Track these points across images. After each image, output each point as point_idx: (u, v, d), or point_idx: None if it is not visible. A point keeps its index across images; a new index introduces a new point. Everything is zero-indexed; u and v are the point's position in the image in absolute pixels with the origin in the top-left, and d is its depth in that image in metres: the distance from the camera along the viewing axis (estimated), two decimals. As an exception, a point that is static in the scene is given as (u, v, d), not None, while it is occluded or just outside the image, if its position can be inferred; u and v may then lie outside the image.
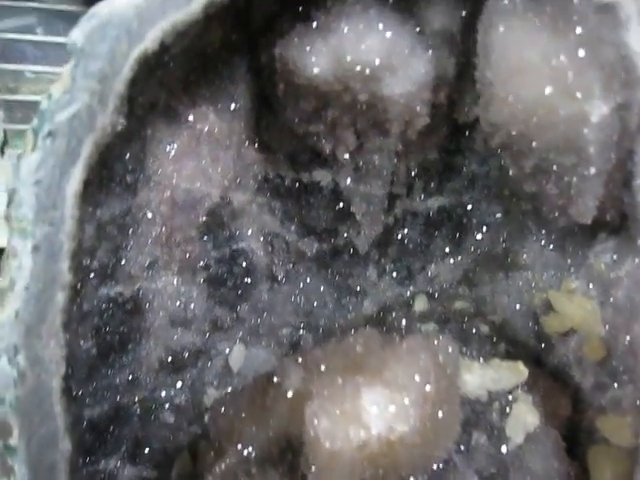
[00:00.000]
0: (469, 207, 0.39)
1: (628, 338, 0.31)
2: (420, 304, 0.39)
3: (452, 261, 0.41)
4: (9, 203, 0.22)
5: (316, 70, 0.29)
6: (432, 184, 0.38)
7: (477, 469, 0.29)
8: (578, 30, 0.26)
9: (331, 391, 0.25)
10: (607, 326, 0.32)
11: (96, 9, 0.22)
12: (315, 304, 0.42)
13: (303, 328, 0.43)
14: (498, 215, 0.39)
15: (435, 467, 0.28)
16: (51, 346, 0.23)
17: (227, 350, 0.42)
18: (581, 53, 0.26)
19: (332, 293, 0.42)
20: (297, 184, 0.37)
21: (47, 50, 1.17)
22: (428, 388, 0.25)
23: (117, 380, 0.36)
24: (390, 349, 0.27)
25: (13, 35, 1.16)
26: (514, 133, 0.29)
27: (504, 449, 0.30)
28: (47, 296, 0.22)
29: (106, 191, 0.28)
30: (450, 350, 0.29)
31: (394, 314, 0.38)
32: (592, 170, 0.27)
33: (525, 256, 0.39)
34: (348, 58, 0.28)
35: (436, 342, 0.29)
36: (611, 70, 0.26)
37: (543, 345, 0.36)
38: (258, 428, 0.28)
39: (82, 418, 0.30)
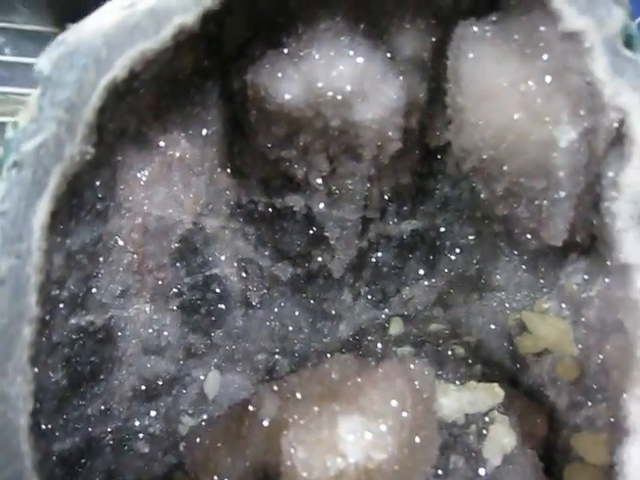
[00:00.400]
0: (442, 230, 0.39)
1: (600, 357, 0.31)
2: (395, 327, 0.39)
3: (426, 283, 0.41)
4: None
5: (287, 96, 0.29)
6: (405, 208, 0.38)
7: (456, 494, 0.29)
8: (545, 57, 0.27)
9: (307, 419, 0.25)
10: (580, 346, 0.33)
11: (64, 36, 0.22)
12: (290, 329, 0.42)
13: (278, 353, 0.43)
14: (471, 237, 0.39)
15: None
16: (18, 382, 0.22)
17: (202, 377, 0.41)
18: (549, 80, 0.27)
19: (307, 317, 0.42)
20: (270, 209, 0.37)
21: (15, 71, 1.15)
22: (405, 414, 0.25)
23: (89, 411, 0.35)
24: (366, 375, 0.27)
25: (-20, 57, 1.13)
26: (485, 157, 0.29)
27: (482, 472, 0.30)
28: (13, 331, 0.21)
29: (75, 220, 0.28)
30: (426, 374, 0.29)
31: (370, 338, 0.38)
32: (562, 194, 0.28)
33: (498, 277, 0.39)
34: (319, 84, 0.28)
35: (412, 366, 0.29)
36: (578, 96, 0.27)
37: (518, 365, 0.37)
38: (234, 458, 0.28)
39: (51, 453, 0.30)
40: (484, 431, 0.31)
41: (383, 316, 0.42)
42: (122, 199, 0.32)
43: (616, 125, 0.26)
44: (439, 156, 0.37)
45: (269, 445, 0.27)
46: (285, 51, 0.29)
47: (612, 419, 0.30)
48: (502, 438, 0.31)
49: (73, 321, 0.32)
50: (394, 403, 0.25)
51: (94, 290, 0.33)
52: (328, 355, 0.40)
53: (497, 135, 0.28)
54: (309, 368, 0.29)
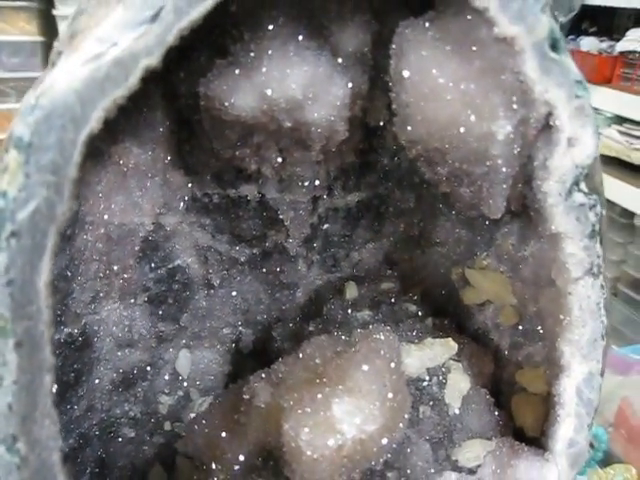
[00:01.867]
0: (385, 198, 0.43)
1: (536, 307, 0.37)
2: (351, 291, 0.43)
3: (373, 246, 0.45)
4: (-20, 304, 0.22)
5: (242, 108, 0.30)
6: (350, 182, 0.42)
7: (428, 438, 0.35)
8: (482, 58, 0.30)
9: (302, 405, 0.29)
10: (517, 297, 0.39)
11: (36, 100, 0.22)
12: (251, 302, 0.46)
13: (242, 325, 0.46)
14: (411, 201, 0.44)
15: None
16: (46, 425, 0.24)
17: (173, 358, 0.45)
18: (486, 79, 0.30)
19: (266, 290, 0.45)
20: (225, 200, 0.39)
21: None
22: (386, 387, 0.30)
23: (77, 412, 0.38)
24: (345, 356, 0.31)
25: None
26: (429, 148, 0.33)
27: (447, 416, 0.36)
28: (36, 384, 0.23)
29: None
30: (393, 344, 0.34)
31: (329, 305, 0.42)
32: (500, 177, 0.32)
33: (438, 234, 0.44)
34: (272, 95, 0.30)
35: (381, 337, 0.34)
36: (511, 93, 0.30)
37: (463, 314, 0.43)
38: (237, 443, 0.32)
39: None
40: (444, 380, 0.37)
41: (336, 280, 0.46)
42: (84, 215, 0.33)
43: (544, 116, 0.31)
44: (378, 132, 0.40)
45: (268, 428, 0.31)
46: (233, 61, 0.30)
47: (548, 357, 0.37)
48: (459, 383, 0.38)
49: (55, 337, 0.33)
50: (376, 381, 0.30)
51: (70, 304, 0.34)
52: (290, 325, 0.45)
53: (441, 130, 0.31)
54: (292, 355, 0.33)
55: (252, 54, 0.30)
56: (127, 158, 0.34)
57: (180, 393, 0.45)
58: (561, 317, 0.34)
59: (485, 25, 0.29)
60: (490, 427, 0.37)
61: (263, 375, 0.33)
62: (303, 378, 0.31)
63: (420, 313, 0.42)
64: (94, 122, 0.23)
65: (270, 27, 0.31)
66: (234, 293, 0.45)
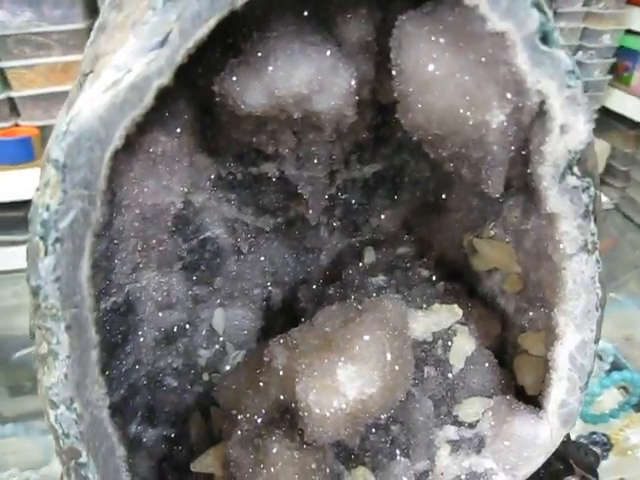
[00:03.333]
0: (400, 168, 0.46)
1: (536, 277, 0.40)
2: (369, 256, 0.48)
3: (391, 212, 0.49)
4: (35, 295, 0.28)
5: (253, 105, 0.34)
6: (365, 155, 0.45)
7: (430, 395, 0.40)
8: (476, 51, 0.32)
9: (312, 370, 0.35)
10: (521, 266, 0.42)
11: (67, 127, 0.26)
12: (278, 265, 0.51)
13: (271, 286, 0.52)
14: (426, 171, 0.46)
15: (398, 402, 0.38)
16: (96, 390, 0.30)
17: (209, 316, 0.51)
18: (480, 71, 0.33)
19: (291, 254, 0.50)
20: (247, 177, 0.44)
21: None
22: (386, 354, 0.35)
23: (125, 367, 0.45)
24: (351, 325, 0.36)
25: None
26: (430, 133, 0.35)
27: (450, 375, 0.41)
28: (85, 358, 0.29)
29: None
30: (400, 311, 0.39)
31: (348, 271, 0.46)
32: (496, 161, 0.35)
33: (453, 201, 0.47)
34: (280, 92, 0.34)
35: (389, 305, 0.38)
36: (505, 83, 0.33)
37: (474, 279, 0.46)
38: (259, 399, 0.38)
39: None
40: (449, 343, 0.42)
41: (357, 243, 0.50)
42: (120, 199, 0.38)
43: (538, 105, 0.33)
44: (391, 108, 0.43)
45: (285, 387, 0.37)
46: (244, 60, 0.34)
47: (547, 324, 0.40)
48: (464, 346, 0.42)
49: (102, 307, 0.40)
50: (377, 349, 0.34)
51: (113, 277, 0.40)
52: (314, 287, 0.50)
53: (439, 118, 0.34)
54: (307, 323, 0.38)
55: (260, 54, 0.34)
56: (155, 146, 0.39)
57: (217, 347, 0.52)
58: (557, 289, 0.37)
59: (478, 19, 0.31)
60: (492, 386, 0.42)
61: (281, 340, 0.38)
62: (314, 345, 0.36)
63: (433, 278, 0.46)
64: (117, 140, 0.28)
65: (276, 26, 0.34)
66: (262, 258, 0.50)
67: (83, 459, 0.31)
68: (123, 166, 0.38)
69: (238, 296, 0.51)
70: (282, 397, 0.37)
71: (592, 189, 0.35)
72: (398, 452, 0.38)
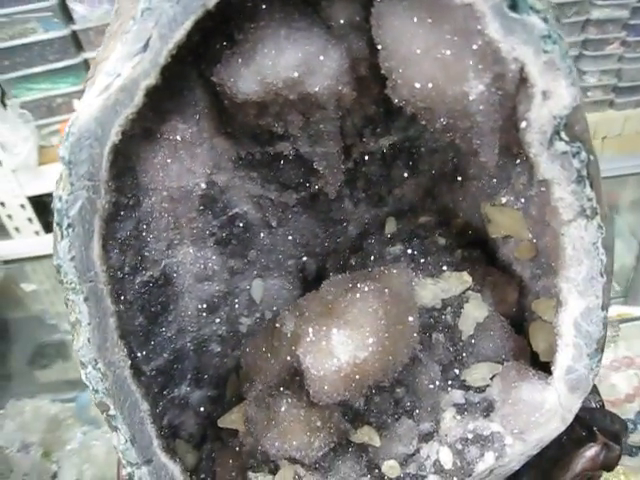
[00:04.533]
0: (415, 139, 0.48)
1: (544, 243, 0.41)
2: (390, 226, 0.50)
3: (412, 182, 0.50)
4: (58, 273, 0.34)
5: (246, 92, 0.37)
6: (378, 129, 0.47)
7: (437, 360, 0.42)
8: (450, 23, 0.34)
9: (311, 335, 0.38)
10: (532, 233, 0.42)
11: (69, 129, 0.31)
12: (309, 237, 0.54)
13: (304, 256, 0.56)
14: (442, 140, 0.48)
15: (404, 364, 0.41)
16: (116, 352, 0.36)
17: (248, 287, 0.56)
18: (455, 43, 0.34)
19: (320, 226, 0.53)
20: (265, 155, 0.47)
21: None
22: (380, 321, 0.38)
23: (169, 334, 0.51)
24: (350, 294, 0.39)
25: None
26: (418, 107, 0.37)
27: (459, 341, 0.43)
28: (103, 324, 0.35)
29: (119, 219, 0.40)
30: (405, 279, 0.41)
31: (369, 240, 0.49)
32: (483, 130, 0.36)
33: (472, 169, 0.48)
34: (270, 78, 0.37)
35: (393, 274, 0.41)
36: (482, 53, 0.33)
37: (493, 246, 0.47)
38: (273, 362, 0.42)
39: (151, 376, 0.45)
40: (460, 309, 0.44)
41: (383, 214, 0.53)
42: (146, 183, 0.44)
43: (518, 72, 0.34)
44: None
45: (293, 351, 0.41)
46: (236, 50, 0.37)
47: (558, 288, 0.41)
48: (474, 312, 0.44)
49: (138, 280, 0.45)
50: (371, 316, 0.37)
51: (146, 254, 0.46)
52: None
53: (422, 91, 0.36)
54: (314, 292, 0.42)
55: (249, 44, 0.37)
56: (175, 133, 0.44)
57: (257, 315, 0.56)
58: (559, 255, 0.38)
59: (447, -7, 0.32)
60: (504, 351, 0.43)
61: (290, 308, 0.42)
62: (317, 311, 0.40)
63: (450, 244, 0.47)
64: (114, 136, 0.33)
65: (264, 16, 0.37)
66: (292, 231, 0.53)
67: (112, 411, 0.37)
68: (146, 153, 0.43)
69: (274, 267, 0.55)
70: (290, 360, 0.41)
71: (583, 153, 0.35)
72: (403, 413, 0.41)
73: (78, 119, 0.32)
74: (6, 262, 1.32)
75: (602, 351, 0.40)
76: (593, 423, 0.46)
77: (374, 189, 0.52)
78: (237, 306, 0.56)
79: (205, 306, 0.53)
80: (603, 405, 0.49)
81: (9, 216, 1.38)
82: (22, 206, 1.37)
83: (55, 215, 0.33)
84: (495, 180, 0.46)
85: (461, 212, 0.51)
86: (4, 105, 1.31)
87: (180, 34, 0.32)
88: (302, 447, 0.40)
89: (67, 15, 1.27)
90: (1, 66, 1.29)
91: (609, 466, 0.45)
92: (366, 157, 0.49)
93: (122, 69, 0.32)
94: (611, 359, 0.90)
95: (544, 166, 0.35)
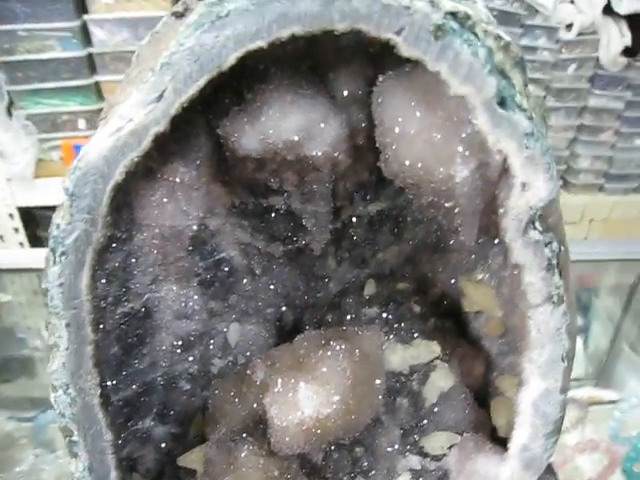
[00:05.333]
0: (403, 208, 0.51)
1: (512, 322, 0.43)
2: (370, 288, 0.52)
3: (396, 249, 0.53)
4: (45, 296, 0.36)
5: (248, 149, 0.40)
6: (369, 195, 0.50)
7: (399, 424, 0.44)
8: (443, 110, 0.37)
9: (279, 386, 0.40)
10: (502, 310, 0.45)
11: (77, 164, 0.34)
12: (290, 289, 0.56)
13: (283, 306, 0.58)
14: (427, 213, 0.50)
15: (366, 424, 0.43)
16: (88, 380, 0.38)
17: (224, 329, 0.57)
18: (446, 128, 0.37)
19: (302, 279, 0.56)
20: (258, 207, 0.50)
21: (36, 6, 1.26)
22: (347, 380, 0.39)
23: (141, 366, 0.52)
24: (322, 350, 0.41)
25: (0, -5, 1.25)
26: (406, 182, 0.40)
27: (422, 408, 0.45)
28: (80, 352, 0.37)
29: (110, 251, 0.42)
30: (376, 342, 0.43)
31: (348, 299, 0.51)
32: (465, 211, 0.39)
33: (453, 242, 0.51)
34: (271, 139, 0.40)
35: (365, 336, 0.43)
36: (470, 141, 0.37)
37: (465, 319, 0.50)
38: (239, 406, 0.44)
39: (118, 406, 0.46)
40: (425, 377, 0.46)
41: (365, 275, 0.55)
42: (140, 219, 0.46)
43: (502, 162, 0.37)
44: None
45: (259, 399, 0.42)
46: (243, 108, 0.40)
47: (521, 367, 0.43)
48: (440, 381, 0.46)
49: (119, 311, 0.47)
50: (338, 375, 0.39)
51: (131, 286, 0.48)
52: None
53: (411, 169, 0.39)
54: (287, 344, 0.43)
55: (257, 104, 0.40)
56: (175, 175, 0.46)
57: (230, 358, 0.58)
58: (523, 336, 0.40)
59: (444, 83, 0.35)
60: (465, 423, 0.45)
61: (263, 357, 0.44)
62: (288, 364, 0.42)
63: (425, 313, 0.50)
64: (118, 176, 0.35)
65: (274, 79, 0.40)
66: (274, 280, 0.56)
67: (75, 437, 0.38)
68: (145, 191, 0.45)
69: (252, 313, 0.57)
70: (257, 408, 0.42)
71: (555, 244, 0.38)
72: (359, 472, 0.43)
73: (87, 154, 0.34)
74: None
75: (558, 432, 0.42)
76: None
77: (358, 251, 0.54)
78: (212, 347, 0.57)
79: (180, 343, 0.55)
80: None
81: (-6, 226, 1.40)
82: (10, 215, 1.38)
83: (51, 241, 0.35)
84: (474, 257, 0.49)
85: (439, 282, 0.53)
86: (10, 114, 1.34)
87: (193, 90, 0.35)
88: (257, 495, 0.41)
89: (86, 37, 1.32)
90: (14, 77, 1.33)
91: None
92: (354, 220, 0.52)
93: (135, 115, 0.34)
94: (577, 441, 0.91)
95: (517, 252, 0.38)
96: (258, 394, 0.42)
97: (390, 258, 0.54)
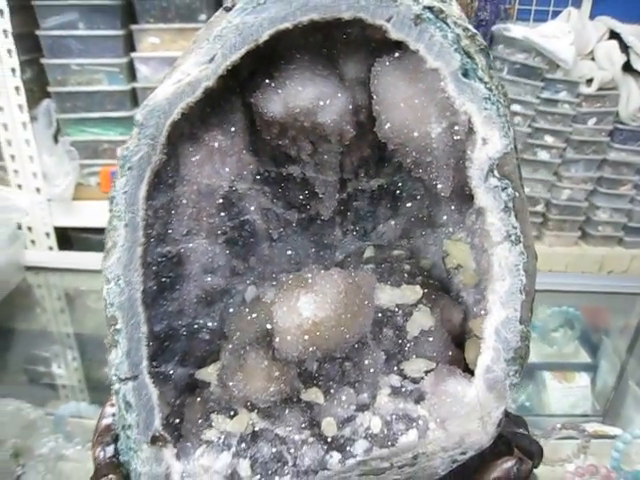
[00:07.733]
0: (399, 185, 0.65)
1: (482, 267, 0.56)
2: (368, 252, 0.66)
3: (393, 222, 0.67)
4: (110, 203, 0.50)
5: (274, 113, 0.55)
6: (371, 171, 0.64)
7: (384, 349, 0.56)
8: (423, 82, 0.52)
9: (285, 297, 0.53)
10: (475, 262, 0.58)
11: (147, 102, 0.49)
12: (302, 255, 0.70)
13: (296, 272, 0.71)
14: (420, 190, 0.65)
15: (355, 346, 0.55)
16: (136, 275, 0.51)
17: (243, 290, 0.71)
18: (425, 96, 0.52)
19: (312, 247, 0.69)
20: (278, 175, 0.65)
21: (89, 44, 1.49)
22: (341, 295, 0.52)
23: (170, 309, 0.65)
24: (324, 276, 0.54)
25: (58, 32, 1.48)
26: (396, 143, 0.54)
27: (404, 338, 0.57)
28: (133, 249, 0.51)
29: (158, 190, 0.57)
30: (369, 280, 0.56)
31: (349, 260, 0.65)
32: (440, 163, 0.53)
33: (442, 217, 0.64)
34: (292, 105, 0.55)
35: (361, 273, 0.56)
36: (442, 105, 0.51)
37: (448, 279, 0.62)
38: (252, 325, 0.57)
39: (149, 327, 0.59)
40: (409, 314, 0.58)
41: (365, 247, 0.68)
42: (183, 174, 0.61)
43: (467, 122, 0.51)
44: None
45: (269, 313, 0.55)
46: (271, 82, 0.56)
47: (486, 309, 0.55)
48: (421, 320, 0.58)
49: (158, 249, 0.61)
50: (334, 289, 0.52)
51: (170, 231, 0.62)
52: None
53: (398, 130, 0.53)
54: (297, 274, 0.57)
55: (282, 78, 0.55)
56: (214, 142, 0.61)
57: (246, 318, 0.71)
58: (488, 272, 0.53)
59: (422, 60, 0.51)
60: (442, 357, 0.57)
61: (273, 283, 0.57)
62: (294, 284, 0.55)
63: (414, 272, 0.63)
64: (175, 115, 0.50)
65: (295, 60, 0.56)
66: (289, 246, 0.69)
67: (119, 325, 0.52)
68: (189, 151, 0.61)
69: (268, 277, 0.71)
70: (265, 323, 0.55)
71: (510, 190, 0.51)
72: (347, 383, 0.55)
73: (155, 96, 0.50)
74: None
75: (521, 365, 0.53)
76: (513, 441, 0.58)
77: (361, 224, 0.68)
78: (230, 304, 0.70)
79: (204, 296, 0.68)
80: (526, 430, 0.61)
81: (32, 241, 1.57)
82: (47, 234, 1.56)
83: (120, 160, 0.50)
84: (456, 224, 0.62)
85: (429, 254, 0.66)
86: (56, 140, 1.55)
87: (236, 56, 0.50)
88: (260, 391, 0.53)
89: (132, 73, 1.54)
90: (63, 106, 1.54)
91: (521, 479, 0.57)
92: (357, 193, 0.66)
93: (192, 71, 0.50)
94: (577, 466, 0.99)
95: (480, 196, 0.52)
96: (267, 312, 0.55)
97: (388, 230, 0.67)
